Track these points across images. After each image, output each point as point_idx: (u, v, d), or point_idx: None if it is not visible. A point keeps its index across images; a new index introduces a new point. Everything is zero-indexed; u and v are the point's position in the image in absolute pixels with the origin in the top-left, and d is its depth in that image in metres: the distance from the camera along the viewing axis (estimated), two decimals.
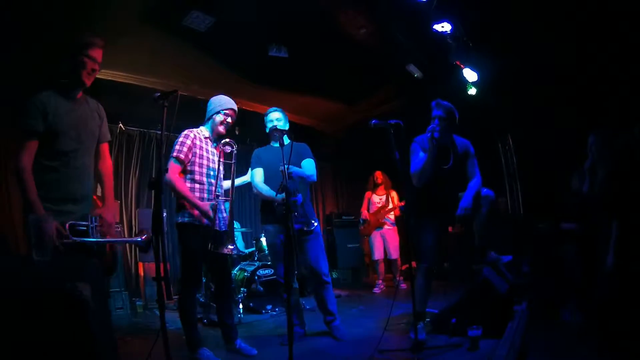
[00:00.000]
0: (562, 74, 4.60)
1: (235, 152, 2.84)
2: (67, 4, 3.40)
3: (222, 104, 2.86)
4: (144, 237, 2.20)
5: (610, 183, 2.56)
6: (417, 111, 3.35)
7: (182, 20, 3.87)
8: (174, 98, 1.97)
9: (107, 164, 2.37)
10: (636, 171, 2.46)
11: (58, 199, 2.03)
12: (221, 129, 2.83)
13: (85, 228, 2.04)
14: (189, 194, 2.68)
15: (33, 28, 3.58)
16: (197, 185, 2.75)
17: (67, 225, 1.93)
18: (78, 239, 1.94)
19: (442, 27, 4.00)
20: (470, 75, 4.82)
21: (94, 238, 2.05)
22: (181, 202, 2.73)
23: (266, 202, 3.15)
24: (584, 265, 3.56)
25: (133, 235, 5.40)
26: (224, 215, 2.88)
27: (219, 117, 2.83)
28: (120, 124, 5.47)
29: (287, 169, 2.62)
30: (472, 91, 5.00)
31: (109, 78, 4.68)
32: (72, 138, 2.10)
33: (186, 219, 2.71)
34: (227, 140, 2.83)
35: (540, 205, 5.07)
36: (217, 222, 2.75)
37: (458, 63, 4.70)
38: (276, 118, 3.25)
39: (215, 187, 2.80)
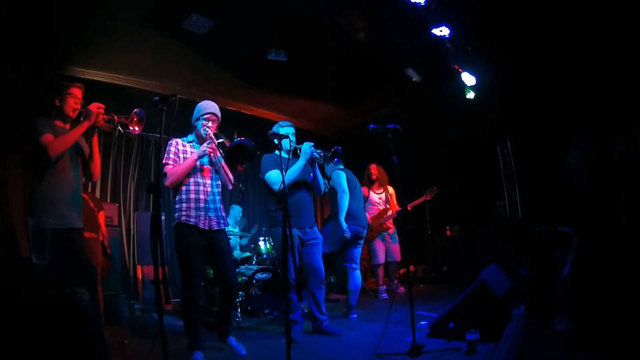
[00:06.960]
0: (561, 78, 4.61)
1: (223, 140, 2.90)
2: (68, 8, 3.41)
3: (201, 110, 2.93)
4: None
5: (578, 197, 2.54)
6: (416, 115, 3.36)
7: (181, 23, 3.88)
8: (173, 101, 1.99)
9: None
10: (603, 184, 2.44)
11: (58, 214, 2.34)
12: (203, 134, 2.86)
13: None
14: (182, 165, 2.77)
15: (34, 31, 3.59)
16: (192, 187, 2.84)
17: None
18: None
19: (441, 31, 4.02)
20: (468, 79, 4.84)
21: None
22: (178, 196, 2.82)
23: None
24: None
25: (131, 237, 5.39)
26: (222, 214, 2.94)
27: (199, 124, 2.91)
28: (119, 127, 5.45)
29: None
30: (471, 95, 5.02)
31: (108, 80, 4.68)
32: (66, 156, 2.46)
33: (176, 220, 2.82)
34: (219, 136, 2.93)
35: (538, 209, 5.07)
36: (209, 221, 2.83)
37: (456, 67, 4.71)
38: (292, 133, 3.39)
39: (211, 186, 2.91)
